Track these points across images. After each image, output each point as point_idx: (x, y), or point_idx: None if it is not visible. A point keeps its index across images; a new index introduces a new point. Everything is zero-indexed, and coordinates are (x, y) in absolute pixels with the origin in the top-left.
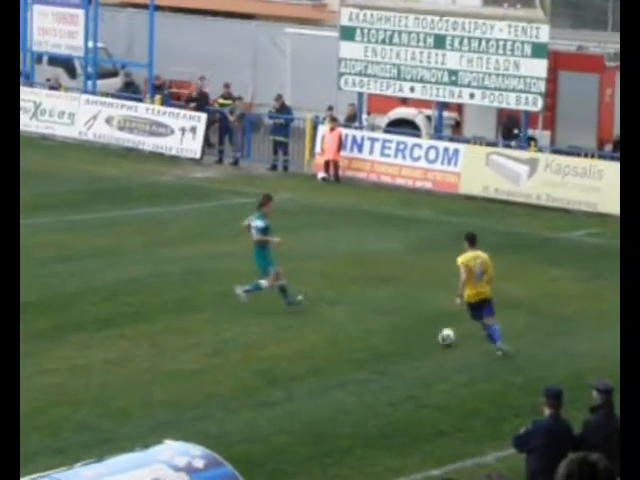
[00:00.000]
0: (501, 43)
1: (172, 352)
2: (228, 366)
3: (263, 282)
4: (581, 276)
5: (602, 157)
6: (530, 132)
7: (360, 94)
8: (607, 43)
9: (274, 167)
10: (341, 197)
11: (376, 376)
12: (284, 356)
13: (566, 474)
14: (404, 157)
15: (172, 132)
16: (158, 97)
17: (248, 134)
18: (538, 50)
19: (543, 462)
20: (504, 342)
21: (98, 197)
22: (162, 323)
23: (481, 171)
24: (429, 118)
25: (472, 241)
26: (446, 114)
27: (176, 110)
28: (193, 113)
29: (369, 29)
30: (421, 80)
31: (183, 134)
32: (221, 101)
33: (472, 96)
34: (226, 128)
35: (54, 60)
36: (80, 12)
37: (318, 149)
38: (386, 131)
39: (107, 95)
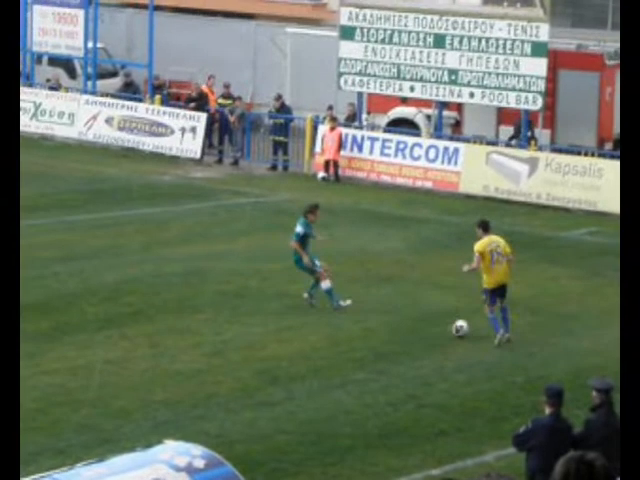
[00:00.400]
0: (501, 42)
1: (172, 352)
2: (228, 366)
3: (324, 285)
4: (581, 275)
5: (602, 156)
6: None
7: (360, 94)
8: (607, 42)
9: (274, 167)
10: (341, 197)
11: (376, 376)
12: (284, 356)
13: (563, 473)
14: (404, 156)
15: (172, 132)
16: (158, 97)
17: (248, 134)
18: (538, 49)
19: (543, 461)
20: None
21: (98, 197)
22: (162, 323)
23: (481, 170)
24: (429, 117)
25: (486, 227)
26: (446, 113)
27: (176, 110)
28: (193, 113)
29: (369, 29)
30: (421, 79)
31: (183, 134)
32: (221, 101)
33: (472, 95)
34: (226, 128)
35: (54, 60)
36: (80, 12)
37: (318, 149)
38: (386, 130)
39: (107, 95)
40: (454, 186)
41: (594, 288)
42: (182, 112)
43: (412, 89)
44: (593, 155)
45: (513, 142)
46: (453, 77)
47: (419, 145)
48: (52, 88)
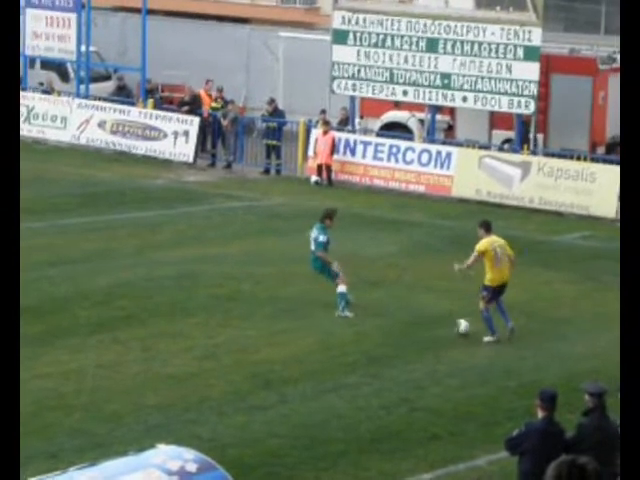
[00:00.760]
0: (493, 46)
1: (165, 356)
2: (221, 370)
3: (340, 289)
4: (574, 279)
5: (595, 160)
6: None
7: (353, 97)
8: (600, 46)
9: (267, 171)
10: (334, 201)
11: (369, 380)
12: (277, 360)
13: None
14: (397, 160)
15: (165, 136)
16: (151, 101)
17: (241, 138)
18: (530, 53)
19: (535, 464)
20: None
21: (91, 201)
22: (155, 327)
23: (474, 174)
24: (422, 121)
25: (488, 227)
26: (439, 117)
27: (169, 114)
28: (186, 117)
29: (362, 32)
30: (414, 83)
31: (176, 138)
32: (214, 105)
33: (465, 99)
34: (219, 132)
35: (47, 64)
36: (73, 16)
37: (311, 152)
38: (379, 135)
39: (100, 99)
40: (447, 190)
41: (587, 292)
42: (175, 116)
43: (405, 93)
44: (586, 159)
45: (506, 146)
46: (446, 81)
47: (412, 149)
48: (45, 92)
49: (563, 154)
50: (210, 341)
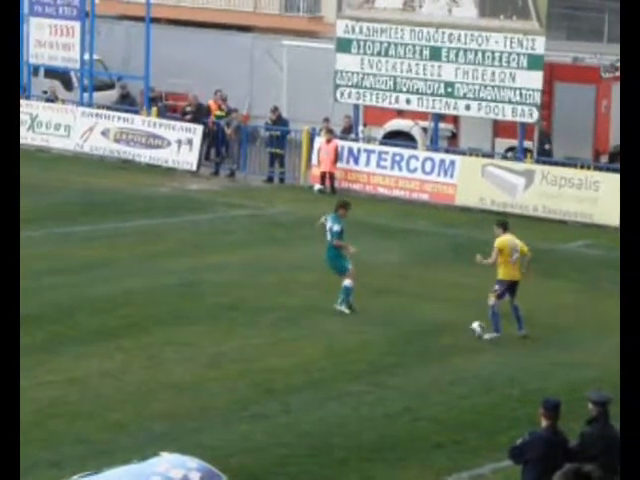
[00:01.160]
0: (497, 55)
1: (168, 364)
2: (225, 378)
3: (347, 282)
4: (578, 287)
5: (598, 168)
6: (526, 144)
7: (356, 106)
8: (603, 54)
9: (270, 179)
10: None
11: (373, 388)
12: (281, 368)
13: None
14: (400, 169)
15: (168, 144)
16: (154, 109)
17: (244, 146)
18: (534, 62)
19: (539, 473)
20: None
21: (94, 209)
22: (158, 335)
23: (477, 183)
24: (425, 130)
25: (505, 226)
26: (442, 126)
27: (172, 122)
28: (189, 125)
29: (365, 41)
30: (417, 92)
31: (179, 146)
32: (217, 113)
33: (468, 108)
34: (222, 140)
35: (50, 72)
36: (76, 24)
37: (314, 161)
38: (382, 143)
39: (103, 107)
40: (450, 198)
41: (591, 300)
42: (178, 124)
43: (408, 101)
44: (589, 168)
45: (509, 155)
46: (449, 90)
47: (415, 157)
48: (49, 100)
49: (567, 163)
50: (214, 349)
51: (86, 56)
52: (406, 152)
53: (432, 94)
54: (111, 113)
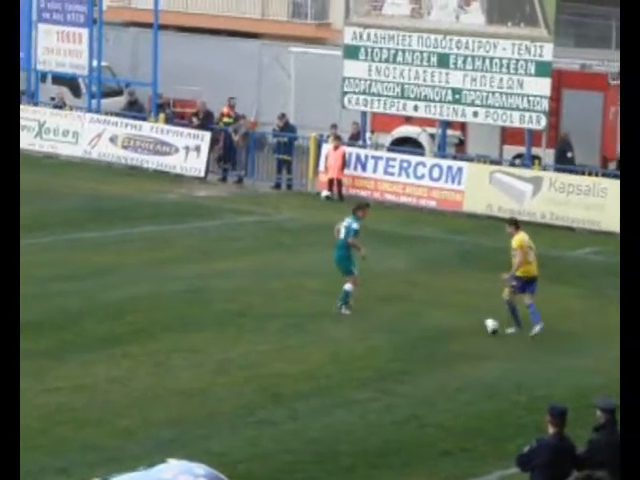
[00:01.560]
0: (505, 62)
1: (176, 370)
2: (232, 384)
3: (347, 287)
4: (585, 294)
5: (606, 175)
6: (534, 150)
7: (364, 113)
8: (611, 61)
9: (278, 185)
10: (344, 215)
11: (379, 395)
12: (288, 374)
13: None
14: (408, 175)
15: (176, 151)
16: (162, 116)
17: (252, 153)
18: (542, 69)
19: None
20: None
21: (102, 215)
22: (166, 341)
23: (485, 189)
24: (433, 136)
25: (517, 224)
26: (450, 132)
27: (180, 129)
28: (197, 132)
29: (373, 48)
30: (425, 99)
31: (187, 153)
32: (225, 120)
33: (476, 114)
34: (230, 147)
35: (58, 79)
36: (84, 31)
37: (322, 167)
38: (390, 149)
39: (111, 114)
40: (458, 205)
41: (598, 307)
42: (186, 131)
43: (416, 108)
44: (597, 175)
45: (517, 162)
46: (457, 96)
47: (423, 164)
48: (56, 107)
49: (574, 170)
50: (221, 356)
51: (94, 63)
52: (414, 159)
53: (440, 101)
54: (119, 120)
